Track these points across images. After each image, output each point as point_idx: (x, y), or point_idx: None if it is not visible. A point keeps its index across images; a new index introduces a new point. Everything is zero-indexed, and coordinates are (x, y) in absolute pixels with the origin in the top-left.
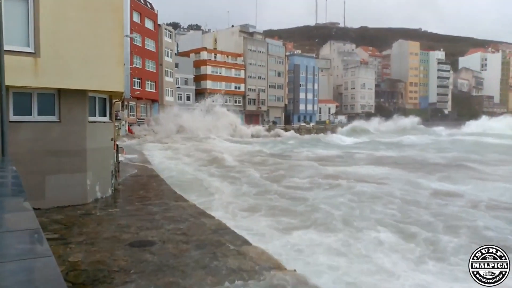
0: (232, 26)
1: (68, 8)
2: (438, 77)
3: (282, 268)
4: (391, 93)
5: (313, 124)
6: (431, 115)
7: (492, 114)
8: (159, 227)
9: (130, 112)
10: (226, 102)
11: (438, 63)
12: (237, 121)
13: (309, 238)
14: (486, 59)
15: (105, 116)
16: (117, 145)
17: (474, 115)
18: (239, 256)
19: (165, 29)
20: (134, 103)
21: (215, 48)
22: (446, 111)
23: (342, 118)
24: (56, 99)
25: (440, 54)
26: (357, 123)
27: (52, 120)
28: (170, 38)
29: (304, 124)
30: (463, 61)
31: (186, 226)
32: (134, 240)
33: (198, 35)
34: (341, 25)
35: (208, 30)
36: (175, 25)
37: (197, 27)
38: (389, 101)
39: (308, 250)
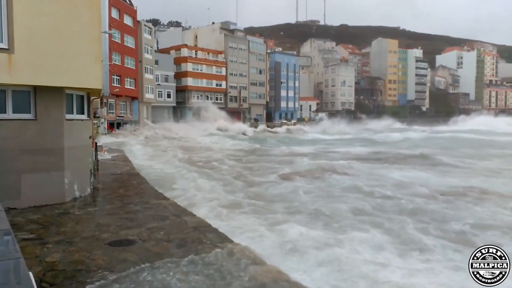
0: (213, 23)
1: (43, 3)
2: (416, 75)
3: (263, 263)
4: (371, 90)
5: (294, 121)
6: (410, 112)
7: (468, 111)
8: (139, 225)
9: (110, 110)
10: (208, 99)
11: (416, 61)
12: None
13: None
14: (462, 57)
15: (83, 113)
16: (96, 143)
17: (451, 112)
18: (221, 252)
19: (145, 25)
20: (114, 100)
21: (195, 45)
22: (424, 108)
23: (322, 115)
24: (31, 97)
25: (418, 52)
26: (327, 124)
27: (27, 118)
28: (150, 34)
29: (286, 121)
30: (440, 59)
31: (167, 224)
32: (113, 239)
33: (178, 32)
34: (322, 23)
35: (189, 27)
36: (155, 22)
37: (177, 24)
38: (368, 98)
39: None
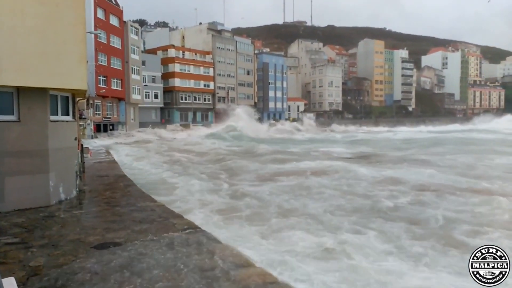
0: (200, 23)
1: (25, 3)
2: (402, 75)
3: (251, 265)
4: (358, 91)
5: (282, 120)
6: (396, 112)
7: (453, 110)
8: (126, 228)
9: (96, 111)
10: (196, 100)
11: (402, 61)
12: None
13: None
14: (446, 58)
15: (68, 115)
16: (82, 145)
17: (436, 112)
18: (209, 255)
19: (131, 26)
20: (100, 101)
21: (183, 46)
22: (410, 108)
23: (310, 115)
24: (15, 98)
25: (403, 53)
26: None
27: (11, 119)
28: (136, 35)
29: (274, 122)
30: (425, 60)
31: (154, 226)
32: (99, 242)
33: (165, 32)
34: (309, 23)
35: (176, 27)
36: (142, 22)
37: (164, 24)
38: (355, 98)
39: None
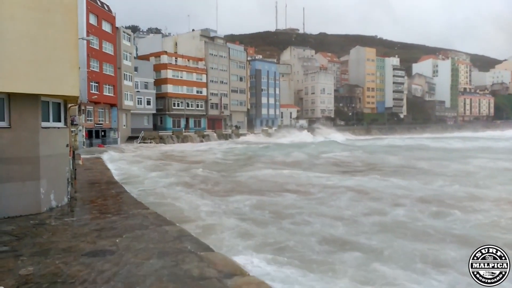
0: (193, 30)
1: (15, 8)
2: (394, 83)
3: (244, 274)
4: (350, 98)
5: (275, 128)
6: (388, 119)
7: (443, 118)
8: (118, 235)
9: (88, 117)
10: (188, 106)
11: (393, 69)
12: None
13: None
14: (437, 66)
15: (59, 121)
16: (74, 151)
17: (427, 119)
18: (202, 263)
19: (124, 32)
20: (92, 107)
21: (175, 52)
22: (401, 115)
23: (303, 122)
24: (5, 104)
25: (395, 61)
26: None
27: (1, 125)
28: (129, 41)
29: (267, 128)
30: (416, 67)
31: (147, 234)
32: (91, 249)
33: (158, 39)
34: (301, 31)
35: (168, 33)
36: (134, 28)
37: (157, 31)
38: (347, 105)
39: None
